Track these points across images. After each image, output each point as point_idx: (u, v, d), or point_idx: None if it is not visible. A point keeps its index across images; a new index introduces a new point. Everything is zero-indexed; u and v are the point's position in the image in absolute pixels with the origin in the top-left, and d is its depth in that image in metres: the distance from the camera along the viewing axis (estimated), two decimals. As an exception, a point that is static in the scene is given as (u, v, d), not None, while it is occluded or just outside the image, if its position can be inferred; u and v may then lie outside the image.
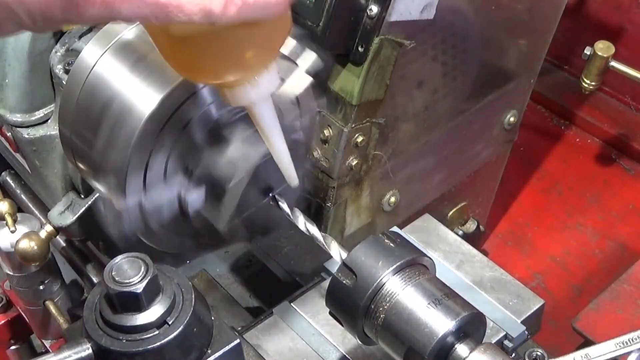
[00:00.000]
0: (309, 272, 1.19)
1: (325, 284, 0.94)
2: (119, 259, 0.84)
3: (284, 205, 0.99)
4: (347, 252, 0.88)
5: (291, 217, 0.98)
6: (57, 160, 1.16)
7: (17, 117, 1.14)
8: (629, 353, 0.85)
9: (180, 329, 0.84)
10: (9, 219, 1.16)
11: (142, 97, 0.91)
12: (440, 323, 0.82)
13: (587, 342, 1.16)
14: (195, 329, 0.85)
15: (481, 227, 1.61)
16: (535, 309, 1.05)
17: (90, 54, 0.95)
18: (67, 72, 1.11)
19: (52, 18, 0.62)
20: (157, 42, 0.74)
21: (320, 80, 1.11)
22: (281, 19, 0.71)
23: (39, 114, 1.14)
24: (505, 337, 1.02)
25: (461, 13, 1.20)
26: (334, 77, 1.12)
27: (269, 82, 0.76)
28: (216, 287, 1.29)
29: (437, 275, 0.88)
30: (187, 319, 0.84)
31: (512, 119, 1.43)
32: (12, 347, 1.46)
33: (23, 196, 1.40)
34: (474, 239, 1.56)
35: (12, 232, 1.15)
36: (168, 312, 0.84)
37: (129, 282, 0.81)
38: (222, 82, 0.76)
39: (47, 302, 1.23)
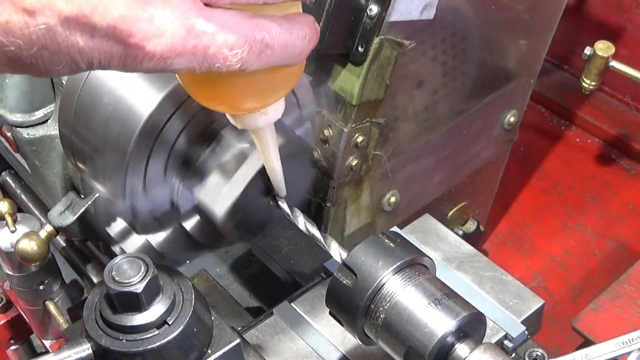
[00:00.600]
0: (309, 272, 1.19)
1: (325, 284, 0.94)
2: (119, 259, 0.83)
3: (284, 205, 0.99)
4: (347, 252, 0.88)
5: (291, 217, 0.98)
6: (57, 160, 1.16)
7: (17, 117, 1.14)
8: (629, 353, 0.85)
9: (180, 329, 0.84)
10: (9, 219, 1.16)
11: (142, 96, 0.91)
12: (440, 323, 0.82)
13: (587, 342, 1.16)
14: (195, 329, 0.85)
15: (481, 227, 1.61)
16: (535, 309, 1.05)
17: (90, 54, 0.95)
18: (67, 72, 1.11)
19: (107, 67, 0.65)
20: (179, 75, 0.79)
21: (320, 81, 1.11)
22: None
23: (39, 114, 1.14)
24: (505, 337, 1.02)
25: (461, 13, 1.20)
26: (334, 77, 1.12)
27: (276, 111, 0.83)
28: (216, 287, 1.29)
29: (437, 275, 0.88)
30: (187, 319, 0.84)
31: (512, 119, 1.43)
32: (12, 347, 1.46)
33: (23, 196, 1.40)
34: (474, 239, 1.56)
35: (12, 232, 1.15)
36: (168, 312, 0.84)
37: (129, 282, 0.81)
38: (237, 112, 0.82)
39: (47, 302, 1.23)
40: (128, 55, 0.64)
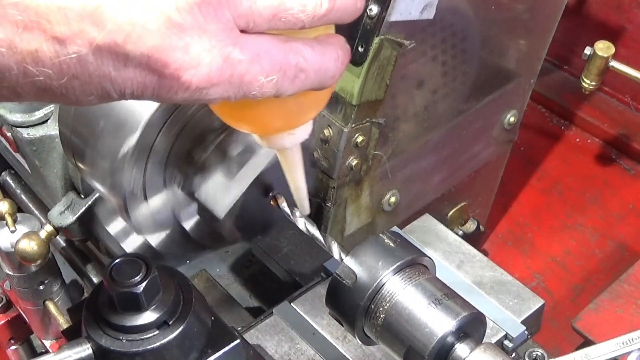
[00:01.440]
0: (309, 272, 1.19)
1: (325, 284, 0.94)
2: (119, 259, 0.83)
3: (284, 205, 0.99)
4: (347, 252, 0.88)
5: (291, 217, 0.98)
6: (57, 160, 1.16)
7: (17, 117, 1.14)
8: (629, 353, 0.85)
9: (180, 329, 0.84)
10: (9, 219, 1.16)
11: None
12: (440, 323, 0.82)
13: (587, 342, 1.16)
14: (195, 329, 0.85)
15: (481, 227, 1.61)
16: (535, 309, 1.05)
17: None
18: (67, 72, 1.11)
19: (140, 97, 0.62)
20: None
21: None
22: None
23: (39, 114, 1.14)
24: (505, 337, 1.02)
25: (461, 13, 1.20)
26: (334, 77, 1.12)
27: (304, 131, 0.79)
28: (216, 287, 1.29)
29: (437, 275, 0.88)
30: (187, 319, 0.84)
31: (512, 119, 1.43)
32: (12, 347, 1.46)
33: (23, 196, 1.40)
34: (474, 239, 1.56)
35: (12, 232, 1.15)
36: (168, 312, 0.84)
37: (129, 282, 0.81)
38: (265, 134, 0.79)
39: (47, 302, 1.23)
40: (162, 86, 0.61)
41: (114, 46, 0.58)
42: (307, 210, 0.91)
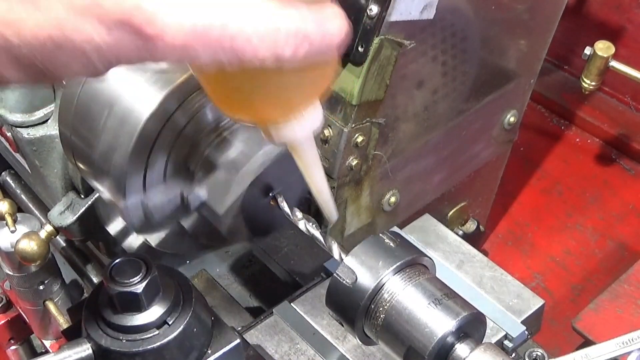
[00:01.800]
0: (309, 272, 1.19)
1: (325, 284, 0.94)
2: (119, 259, 0.84)
3: (284, 205, 0.99)
4: (347, 252, 0.88)
5: (291, 217, 0.98)
6: (57, 160, 1.16)
7: (17, 117, 1.14)
8: (629, 353, 0.85)
9: (180, 329, 0.84)
10: (9, 219, 1.16)
11: (142, 96, 0.91)
12: (440, 323, 0.82)
13: (587, 342, 1.16)
14: (195, 329, 0.85)
15: (481, 227, 1.61)
16: (535, 309, 1.05)
17: (90, 54, 0.95)
18: (67, 72, 1.11)
19: (126, 62, 0.60)
20: (202, 79, 0.72)
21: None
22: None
23: (39, 114, 1.14)
24: (505, 337, 1.02)
25: (461, 13, 1.20)
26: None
27: (315, 119, 0.74)
28: (216, 287, 1.29)
29: (437, 275, 0.88)
30: (187, 319, 0.84)
31: (512, 119, 1.43)
32: (12, 347, 1.46)
33: (23, 196, 1.40)
34: (474, 239, 1.56)
35: (12, 232, 1.15)
36: (168, 312, 0.84)
37: (129, 282, 0.81)
38: (268, 121, 0.74)
39: (47, 302, 1.23)
40: (146, 47, 0.59)
41: (94, 7, 0.57)
42: (335, 216, 0.85)
